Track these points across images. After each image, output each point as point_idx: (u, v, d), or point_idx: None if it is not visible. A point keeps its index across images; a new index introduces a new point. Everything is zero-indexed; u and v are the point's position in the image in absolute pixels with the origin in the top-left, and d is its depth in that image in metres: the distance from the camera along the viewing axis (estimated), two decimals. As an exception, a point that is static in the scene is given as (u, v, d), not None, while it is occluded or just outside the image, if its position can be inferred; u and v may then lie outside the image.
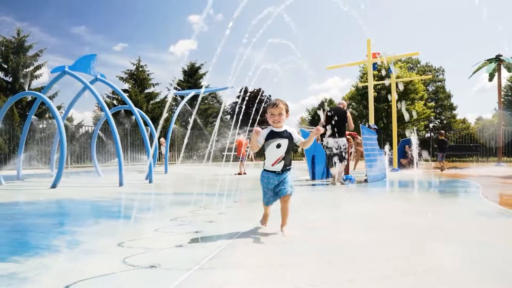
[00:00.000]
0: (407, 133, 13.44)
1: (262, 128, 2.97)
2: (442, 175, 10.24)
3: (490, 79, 18.76)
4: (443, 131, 14.54)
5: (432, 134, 26.96)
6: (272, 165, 2.92)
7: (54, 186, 6.83)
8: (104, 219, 3.83)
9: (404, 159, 13.65)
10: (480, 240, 2.72)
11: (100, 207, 4.78)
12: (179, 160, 21.87)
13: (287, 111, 2.97)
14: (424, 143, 22.44)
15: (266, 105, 3.10)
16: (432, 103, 38.89)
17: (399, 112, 27.14)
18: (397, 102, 11.85)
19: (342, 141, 7.42)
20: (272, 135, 2.93)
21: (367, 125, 9.45)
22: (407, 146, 13.79)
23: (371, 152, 8.46)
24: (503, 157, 18.52)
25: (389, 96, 11.74)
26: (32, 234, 3.05)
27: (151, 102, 28.71)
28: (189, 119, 31.04)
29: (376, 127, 10.34)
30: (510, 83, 35.56)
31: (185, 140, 23.08)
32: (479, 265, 2.11)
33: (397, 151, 12.89)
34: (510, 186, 7.07)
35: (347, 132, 7.81)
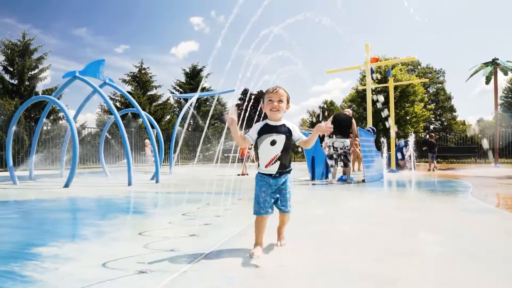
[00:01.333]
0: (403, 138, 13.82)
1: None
2: (437, 176, 10.59)
3: (487, 82, 19.18)
4: (433, 134, 15.33)
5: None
6: (266, 166, 2.43)
7: (67, 185, 7.21)
8: (121, 214, 4.22)
9: (402, 160, 14.01)
10: (458, 231, 3.12)
11: (115, 204, 5.15)
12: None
13: (288, 101, 2.50)
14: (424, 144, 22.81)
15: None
16: (432, 105, 39.25)
17: (398, 115, 27.58)
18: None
19: (347, 142, 8.20)
20: (266, 130, 2.43)
21: (366, 129, 9.80)
22: (405, 148, 14.14)
23: (369, 153, 8.82)
24: (501, 159, 18.89)
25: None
26: (61, 226, 3.44)
27: (154, 104, 29.14)
28: (191, 121, 31.41)
29: (372, 128, 10.69)
30: (510, 85, 35.90)
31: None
32: (452, 249, 2.49)
33: (395, 153, 13.26)
34: (501, 186, 7.43)
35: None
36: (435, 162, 13.54)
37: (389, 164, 13.07)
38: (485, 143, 18.63)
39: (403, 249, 2.51)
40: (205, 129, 24.33)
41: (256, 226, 2.43)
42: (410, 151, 13.24)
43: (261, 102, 2.54)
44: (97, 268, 2.06)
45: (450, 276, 1.93)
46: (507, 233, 3.08)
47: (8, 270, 2.05)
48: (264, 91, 2.54)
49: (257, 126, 2.46)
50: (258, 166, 2.51)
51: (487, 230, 3.18)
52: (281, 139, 2.41)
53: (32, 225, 3.48)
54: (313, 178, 9.03)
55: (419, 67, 42.08)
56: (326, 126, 2.35)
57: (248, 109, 7.30)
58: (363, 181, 8.28)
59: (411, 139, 13.22)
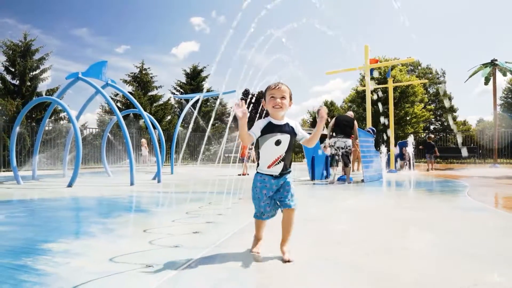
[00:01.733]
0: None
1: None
2: (436, 176, 10.69)
3: (486, 83, 19.33)
4: (432, 135, 15.72)
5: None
6: (269, 167, 2.32)
7: (70, 185, 7.32)
8: (125, 212, 4.33)
9: (401, 160, 14.13)
10: (449, 229, 3.22)
11: (118, 203, 5.26)
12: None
13: (290, 98, 2.39)
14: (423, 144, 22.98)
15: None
16: (432, 106, 39.36)
17: (398, 115, 27.69)
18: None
19: (349, 141, 8.35)
20: (270, 129, 2.30)
21: (366, 130, 9.93)
22: (404, 148, 14.27)
23: (368, 153, 8.93)
24: (502, 159, 19.02)
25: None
26: (68, 224, 3.55)
27: (154, 104, 29.28)
28: (191, 121, 31.51)
29: (372, 129, 10.80)
30: (510, 86, 36.00)
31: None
32: (448, 247, 2.59)
33: (394, 153, 13.38)
34: (497, 186, 7.53)
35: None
36: (432, 161, 13.86)
37: (388, 165, 13.19)
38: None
39: (400, 246, 2.61)
40: (208, 130, 24.49)
41: (256, 226, 2.47)
42: (409, 151, 13.36)
43: (263, 99, 2.44)
44: (105, 263, 2.17)
45: (445, 274, 2.04)
46: (502, 231, 3.19)
47: (21, 264, 2.16)
48: (263, 91, 2.51)
49: (260, 124, 2.32)
50: (258, 166, 2.39)
51: (482, 229, 3.28)
52: (285, 139, 2.31)
53: (40, 223, 3.59)
54: (313, 178, 9.14)
55: (419, 67, 42.17)
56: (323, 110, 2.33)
57: (249, 110, 7.38)
58: (362, 181, 8.39)
59: (410, 140, 13.34)
